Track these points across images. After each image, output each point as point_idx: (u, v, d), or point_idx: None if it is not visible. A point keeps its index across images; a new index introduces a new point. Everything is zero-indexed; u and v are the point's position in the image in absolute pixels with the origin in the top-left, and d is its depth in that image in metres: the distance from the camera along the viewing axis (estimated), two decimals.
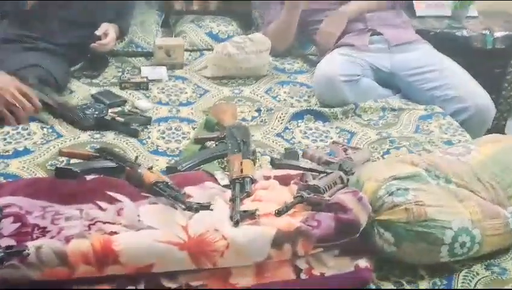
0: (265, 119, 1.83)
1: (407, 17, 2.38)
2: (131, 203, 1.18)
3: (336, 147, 1.64)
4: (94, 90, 1.94)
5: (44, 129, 1.66)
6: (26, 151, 1.55)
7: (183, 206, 1.15)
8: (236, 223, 1.12)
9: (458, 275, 1.19)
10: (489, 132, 1.98)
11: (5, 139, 1.59)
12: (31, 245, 1.00)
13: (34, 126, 1.66)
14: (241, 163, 1.36)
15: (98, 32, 2.00)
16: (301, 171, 1.37)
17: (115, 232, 1.07)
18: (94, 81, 2.03)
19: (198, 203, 1.16)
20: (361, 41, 2.16)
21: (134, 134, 1.66)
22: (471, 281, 1.18)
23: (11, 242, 1.03)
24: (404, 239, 1.15)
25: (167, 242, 1.05)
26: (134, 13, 2.32)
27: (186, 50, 2.28)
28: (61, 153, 1.46)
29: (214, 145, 1.56)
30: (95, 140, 1.63)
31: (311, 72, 2.19)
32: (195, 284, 1.06)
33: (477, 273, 1.19)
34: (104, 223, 1.10)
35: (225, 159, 1.46)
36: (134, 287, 1.04)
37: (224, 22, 2.48)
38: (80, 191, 1.21)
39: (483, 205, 1.24)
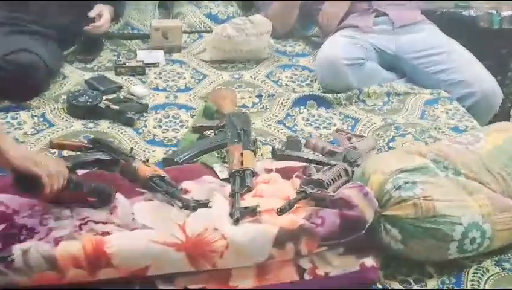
0: (266, 106, 1.80)
1: None
2: (125, 200, 1.13)
3: (339, 135, 1.61)
4: (88, 75, 1.90)
5: (35, 118, 1.62)
6: (16, 142, 1.49)
7: (180, 204, 1.10)
8: (236, 221, 1.08)
9: (467, 272, 1.16)
10: (495, 115, 1.97)
11: None
12: (18, 249, 0.95)
13: (24, 115, 1.62)
14: (242, 154, 1.32)
15: (91, 14, 1.94)
16: (304, 163, 1.32)
17: (108, 233, 1.03)
18: (88, 65, 1.98)
19: (196, 200, 1.12)
20: (365, 22, 2.11)
21: (129, 123, 1.62)
22: (481, 279, 1.15)
23: None
24: (412, 236, 1.12)
25: (163, 243, 1.01)
26: None
27: (184, 32, 2.22)
28: (51, 145, 1.41)
29: (213, 134, 1.51)
30: (88, 129, 1.59)
31: (313, 54, 2.16)
32: (194, 287, 1.03)
33: (487, 270, 1.17)
34: (96, 222, 1.06)
35: (224, 149, 1.41)
36: None
37: (224, 2, 2.41)
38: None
39: (494, 197, 1.21)
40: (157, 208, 1.13)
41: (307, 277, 1.08)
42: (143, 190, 1.18)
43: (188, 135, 1.56)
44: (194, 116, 1.69)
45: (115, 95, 1.77)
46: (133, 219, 1.08)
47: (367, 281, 1.10)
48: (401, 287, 1.11)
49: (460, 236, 1.12)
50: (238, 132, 1.42)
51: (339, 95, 1.84)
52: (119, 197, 1.13)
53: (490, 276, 1.15)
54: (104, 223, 1.06)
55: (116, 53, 2.09)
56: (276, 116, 1.75)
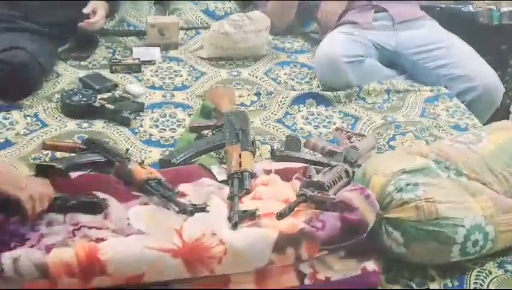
0: (265, 104, 1.78)
1: None
2: (120, 204, 1.10)
3: (339, 134, 1.60)
4: (82, 73, 1.87)
5: (28, 118, 1.59)
6: (8, 143, 1.48)
7: (176, 209, 1.08)
8: (234, 225, 1.06)
9: (470, 275, 1.16)
10: (495, 110, 1.96)
11: None
12: (8, 257, 0.93)
13: (16, 115, 1.59)
14: (240, 155, 1.29)
15: (85, 10, 1.90)
16: (304, 164, 1.30)
17: (102, 239, 1.00)
18: (82, 63, 1.95)
19: (193, 205, 1.10)
20: (365, 18, 2.09)
21: (125, 122, 1.59)
22: (483, 281, 1.14)
23: None
24: (414, 239, 1.11)
25: (159, 249, 0.99)
26: None
27: (181, 28, 2.19)
28: (44, 146, 1.38)
29: (211, 134, 1.49)
30: (82, 130, 1.56)
31: (312, 51, 2.15)
32: None
33: (490, 273, 1.16)
34: (90, 228, 1.03)
35: (223, 150, 1.39)
36: None
37: None
38: (64, 191, 1.12)
39: (496, 198, 1.20)
40: (153, 212, 1.11)
41: (307, 282, 1.06)
42: (138, 193, 1.16)
43: (185, 135, 1.54)
44: (191, 115, 1.66)
45: (110, 94, 1.74)
46: (128, 223, 1.06)
47: (369, 286, 1.08)
48: None
49: (462, 239, 1.11)
50: (237, 131, 1.40)
51: (338, 92, 1.83)
52: (114, 201, 1.10)
53: (493, 278, 1.14)
54: (98, 228, 1.03)
55: (111, 50, 2.06)
56: (275, 114, 1.72)
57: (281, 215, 1.05)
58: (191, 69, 1.98)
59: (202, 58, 2.05)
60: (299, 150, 1.49)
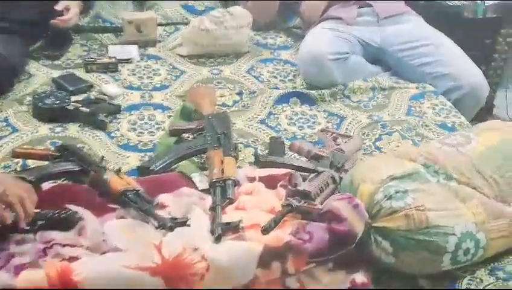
0: (247, 104, 1.73)
1: None
2: (95, 218, 1.03)
3: (324, 135, 1.55)
4: (55, 73, 1.80)
5: None
6: None
7: (156, 224, 1.02)
8: (217, 239, 1.01)
9: (461, 283, 1.13)
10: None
11: None
12: None
13: None
14: (222, 161, 1.24)
15: (58, 7, 1.85)
16: (289, 170, 1.24)
17: (76, 258, 0.94)
18: (55, 62, 1.88)
19: (173, 218, 1.03)
20: (348, 13, 2.06)
21: (101, 126, 1.53)
22: None
23: None
24: (404, 248, 1.08)
25: (136, 267, 0.93)
26: None
27: (160, 25, 2.13)
28: (14, 154, 1.30)
29: (192, 137, 1.43)
30: (55, 134, 1.49)
31: (295, 47, 2.11)
32: None
33: (481, 281, 1.13)
34: (63, 245, 0.97)
35: (204, 155, 1.33)
36: None
37: None
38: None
39: (486, 203, 1.19)
40: (131, 226, 1.05)
41: None
42: (115, 206, 1.10)
43: (164, 138, 1.48)
44: (171, 117, 1.61)
45: (85, 95, 1.68)
46: (104, 239, 0.99)
47: None
48: None
49: (454, 247, 1.08)
50: (218, 135, 1.35)
51: (323, 91, 1.80)
52: (89, 215, 1.04)
53: (485, 287, 1.11)
54: (72, 246, 0.97)
55: (86, 48, 1.99)
56: (258, 115, 1.68)
57: (265, 230, 1.00)
58: (170, 67, 1.92)
59: (181, 55, 2.00)
60: (283, 152, 1.45)
